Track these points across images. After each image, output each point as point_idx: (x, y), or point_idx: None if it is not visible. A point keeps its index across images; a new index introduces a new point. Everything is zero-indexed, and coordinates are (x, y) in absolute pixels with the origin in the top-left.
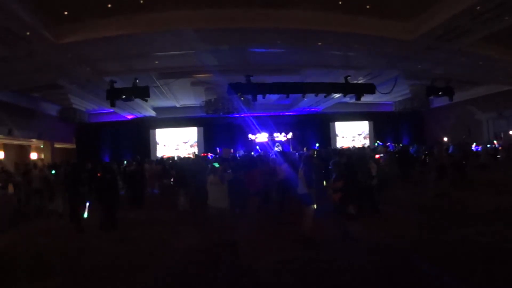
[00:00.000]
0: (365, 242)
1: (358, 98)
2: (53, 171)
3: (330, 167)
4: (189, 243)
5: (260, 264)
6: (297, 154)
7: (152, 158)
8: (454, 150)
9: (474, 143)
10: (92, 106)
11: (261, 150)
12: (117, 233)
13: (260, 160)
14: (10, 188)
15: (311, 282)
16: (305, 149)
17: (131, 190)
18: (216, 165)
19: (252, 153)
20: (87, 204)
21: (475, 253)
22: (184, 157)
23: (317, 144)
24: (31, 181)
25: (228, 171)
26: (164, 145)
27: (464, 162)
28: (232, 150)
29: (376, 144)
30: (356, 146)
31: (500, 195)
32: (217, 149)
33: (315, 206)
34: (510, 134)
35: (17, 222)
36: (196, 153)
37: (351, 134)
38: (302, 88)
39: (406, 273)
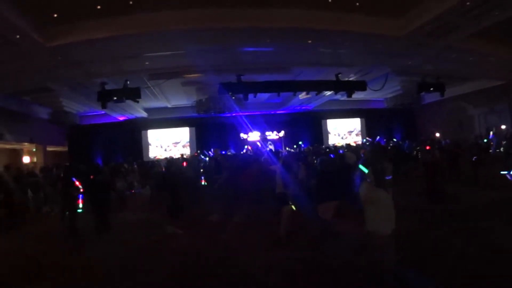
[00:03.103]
0: (354, 240)
1: (349, 95)
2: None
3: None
4: (182, 245)
5: (252, 265)
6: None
7: (145, 159)
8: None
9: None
10: (83, 109)
11: (253, 150)
12: (111, 236)
13: (255, 161)
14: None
15: (298, 282)
16: (286, 148)
17: (174, 198)
18: (365, 169)
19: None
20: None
21: (465, 250)
22: (173, 159)
23: (300, 143)
24: (23, 185)
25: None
26: (160, 146)
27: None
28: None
29: (365, 140)
30: (351, 144)
31: (493, 190)
32: (211, 150)
33: (293, 206)
34: (501, 129)
35: (10, 226)
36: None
37: (343, 131)
38: (293, 86)
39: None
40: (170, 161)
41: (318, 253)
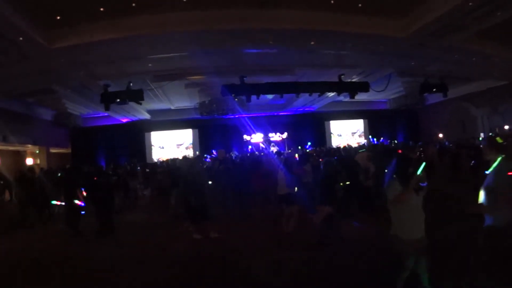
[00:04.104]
0: (360, 241)
1: (352, 97)
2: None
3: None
4: (185, 246)
5: (257, 265)
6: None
7: (148, 161)
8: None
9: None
10: (86, 110)
11: (256, 151)
12: (114, 237)
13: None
14: (7, 195)
15: (305, 282)
16: (290, 150)
17: (201, 201)
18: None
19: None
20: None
21: (469, 249)
22: (176, 159)
23: (309, 143)
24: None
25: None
26: (162, 148)
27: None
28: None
29: (370, 140)
30: (352, 145)
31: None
32: (213, 151)
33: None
34: (505, 129)
35: (14, 228)
36: (191, 154)
37: (346, 132)
38: (296, 88)
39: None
40: (194, 161)
41: (321, 255)
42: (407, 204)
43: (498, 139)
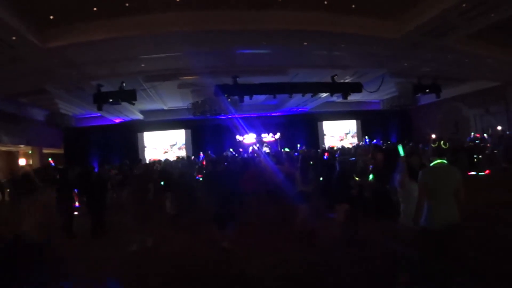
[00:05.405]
0: (365, 242)
1: (345, 97)
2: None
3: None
4: (181, 247)
5: (255, 267)
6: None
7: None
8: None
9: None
10: (79, 111)
11: (249, 151)
12: (108, 238)
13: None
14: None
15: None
16: (284, 149)
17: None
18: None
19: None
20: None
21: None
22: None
23: (298, 145)
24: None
25: None
26: (155, 148)
27: None
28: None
29: (366, 140)
30: (345, 146)
31: (486, 191)
32: (209, 152)
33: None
34: (497, 130)
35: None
36: (185, 155)
37: (339, 133)
38: (289, 88)
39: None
40: (217, 159)
41: (322, 258)
42: (410, 191)
43: (442, 143)
